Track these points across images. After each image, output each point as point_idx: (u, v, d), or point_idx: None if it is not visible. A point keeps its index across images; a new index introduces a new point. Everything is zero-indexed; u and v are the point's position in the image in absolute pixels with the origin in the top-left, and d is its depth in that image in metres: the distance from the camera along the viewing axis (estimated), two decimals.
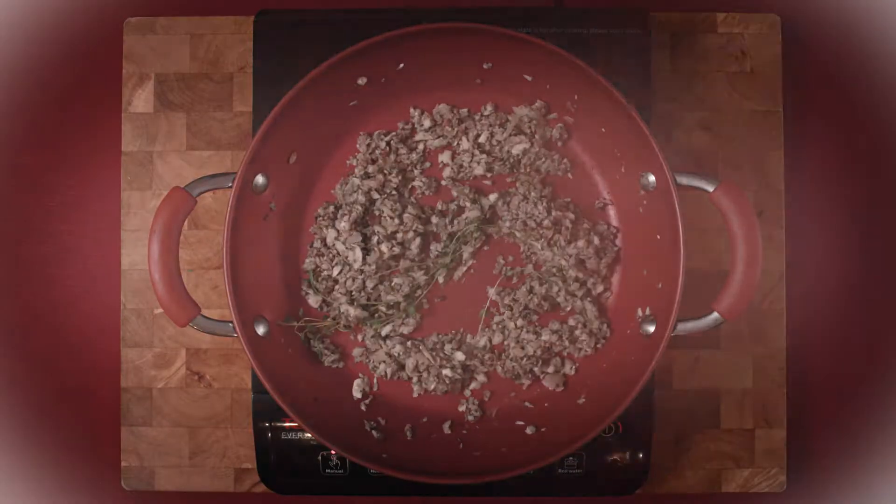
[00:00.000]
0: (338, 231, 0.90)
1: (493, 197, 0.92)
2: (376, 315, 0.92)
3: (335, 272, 0.90)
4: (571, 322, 0.91)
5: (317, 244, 0.92)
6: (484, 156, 0.92)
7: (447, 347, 0.91)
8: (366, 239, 0.90)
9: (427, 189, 0.92)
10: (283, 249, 0.92)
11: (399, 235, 0.90)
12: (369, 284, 0.90)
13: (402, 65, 0.88)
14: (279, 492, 0.93)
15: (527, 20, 0.92)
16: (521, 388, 0.92)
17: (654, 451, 0.93)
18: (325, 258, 0.91)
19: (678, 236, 0.82)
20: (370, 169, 0.91)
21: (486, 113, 0.92)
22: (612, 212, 0.93)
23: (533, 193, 0.90)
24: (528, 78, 0.89)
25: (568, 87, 0.88)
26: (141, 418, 0.96)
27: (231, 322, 0.83)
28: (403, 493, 0.93)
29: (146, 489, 0.96)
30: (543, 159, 0.91)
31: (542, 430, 0.89)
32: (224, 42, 0.97)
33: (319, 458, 0.92)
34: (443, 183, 0.93)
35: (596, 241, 0.90)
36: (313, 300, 0.91)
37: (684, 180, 0.82)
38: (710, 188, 0.82)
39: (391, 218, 0.90)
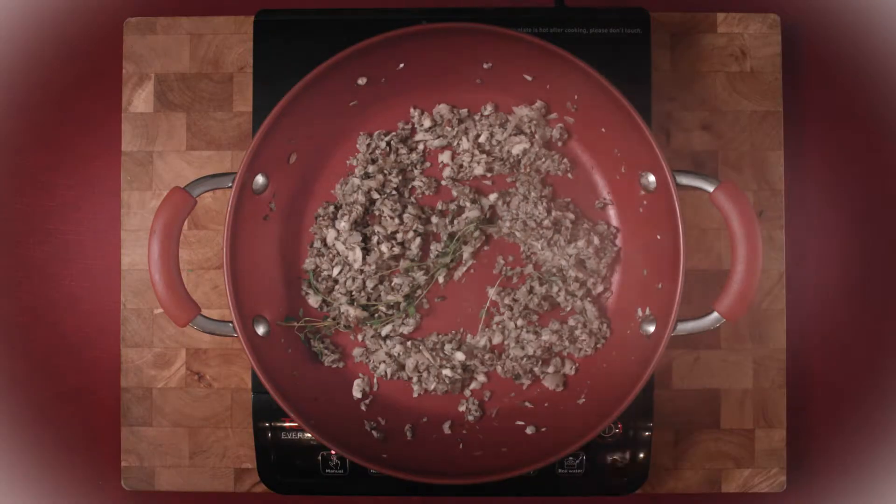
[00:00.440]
0: (338, 231, 0.90)
1: (493, 197, 0.92)
2: (376, 315, 0.92)
3: (335, 272, 0.90)
4: (571, 322, 0.91)
5: (317, 244, 0.92)
6: (484, 156, 0.92)
7: (447, 347, 0.91)
8: (366, 239, 0.90)
9: (427, 189, 0.92)
10: (283, 249, 0.92)
11: (399, 235, 0.90)
12: (369, 284, 0.90)
13: (402, 65, 0.88)
14: (279, 492, 0.93)
15: (527, 20, 0.92)
16: (521, 388, 0.92)
17: (653, 451, 0.93)
18: (325, 258, 0.91)
19: (678, 236, 0.81)
20: (370, 169, 0.91)
21: (486, 113, 0.92)
22: (612, 212, 0.93)
23: (533, 193, 0.90)
24: (528, 78, 0.89)
25: (568, 87, 0.88)
26: (141, 418, 0.96)
27: (231, 322, 0.83)
28: (403, 493, 0.93)
29: (146, 489, 0.96)
30: (543, 159, 0.91)
31: (542, 430, 0.88)
32: (224, 42, 0.97)
33: (319, 458, 0.92)
34: (443, 183, 0.93)
35: (596, 241, 0.90)
36: (313, 300, 0.91)
37: (684, 180, 0.82)
38: (710, 188, 0.82)
39: (391, 218, 0.90)
